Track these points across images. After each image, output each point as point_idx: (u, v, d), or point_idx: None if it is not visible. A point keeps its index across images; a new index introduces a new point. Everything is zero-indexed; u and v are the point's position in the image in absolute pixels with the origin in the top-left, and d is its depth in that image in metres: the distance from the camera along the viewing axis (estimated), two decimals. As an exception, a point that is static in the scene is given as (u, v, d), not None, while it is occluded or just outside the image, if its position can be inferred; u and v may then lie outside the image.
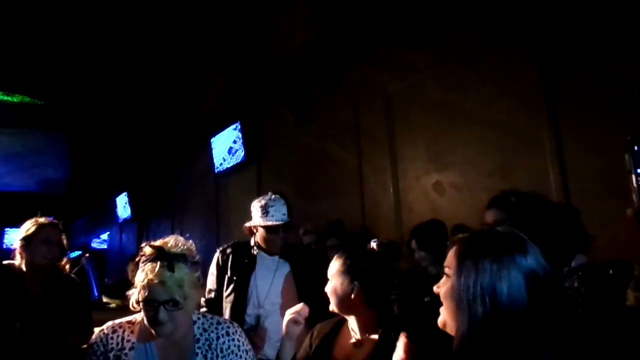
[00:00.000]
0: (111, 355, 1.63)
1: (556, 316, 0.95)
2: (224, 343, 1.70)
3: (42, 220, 2.58)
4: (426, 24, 3.83)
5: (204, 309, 2.76)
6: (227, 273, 2.83)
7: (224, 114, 6.39)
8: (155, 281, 1.52)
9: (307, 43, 4.88)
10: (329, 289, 1.82)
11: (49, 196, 12.24)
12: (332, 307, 1.80)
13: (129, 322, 1.72)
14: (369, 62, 4.37)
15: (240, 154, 5.93)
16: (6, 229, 13.08)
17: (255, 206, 2.83)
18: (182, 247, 1.64)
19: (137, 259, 1.65)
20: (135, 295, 1.59)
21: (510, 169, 3.16)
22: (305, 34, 4.95)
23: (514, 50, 3.21)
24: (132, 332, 1.68)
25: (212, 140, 6.49)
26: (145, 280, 1.54)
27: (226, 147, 6.21)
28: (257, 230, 2.84)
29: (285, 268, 2.80)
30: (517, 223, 2.25)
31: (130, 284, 1.66)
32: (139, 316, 1.70)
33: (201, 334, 1.70)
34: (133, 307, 1.62)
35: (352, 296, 1.74)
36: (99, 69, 8.98)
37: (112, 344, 1.65)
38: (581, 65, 2.84)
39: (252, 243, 2.90)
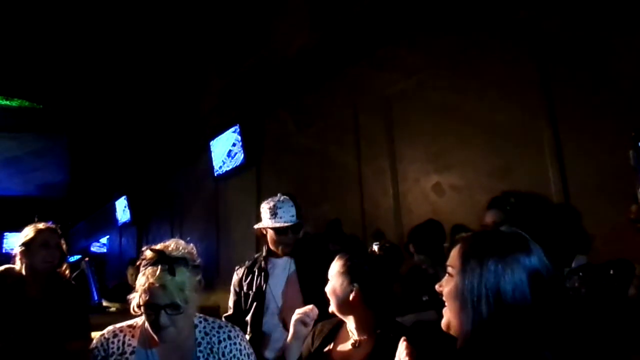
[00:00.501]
0: (112, 359, 1.63)
1: (558, 316, 0.95)
2: (225, 347, 1.70)
3: (40, 225, 2.61)
4: (425, 26, 3.84)
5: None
6: (243, 290, 2.81)
7: (223, 116, 6.39)
8: (157, 285, 1.52)
9: (306, 45, 4.89)
10: (328, 289, 1.83)
11: (48, 200, 12.23)
12: (332, 307, 1.81)
13: (129, 326, 1.72)
14: (368, 64, 4.37)
15: (240, 156, 5.93)
16: (5, 234, 13.07)
17: (264, 208, 2.80)
18: (183, 251, 1.64)
19: (137, 263, 1.65)
20: (136, 299, 1.59)
21: (509, 169, 3.16)
22: (303, 36, 4.96)
23: (513, 51, 3.21)
24: (132, 336, 1.68)
25: (212, 143, 6.49)
26: (146, 284, 1.54)
27: (225, 150, 6.21)
28: (266, 232, 2.81)
29: (293, 274, 2.77)
30: (517, 224, 2.25)
31: (130, 288, 1.66)
32: (140, 320, 1.70)
33: (202, 338, 1.70)
34: (134, 311, 1.62)
35: (351, 297, 1.74)
36: (97, 72, 8.99)
37: (112, 348, 1.65)
38: (579, 65, 2.85)
39: (265, 248, 2.87)
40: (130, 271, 5.74)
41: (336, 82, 4.75)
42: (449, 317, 1.05)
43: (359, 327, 1.76)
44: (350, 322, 1.79)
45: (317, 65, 4.85)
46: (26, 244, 2.52)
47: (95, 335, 1.78)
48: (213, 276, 6.11)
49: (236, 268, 2.93)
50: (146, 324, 1.61)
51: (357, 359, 1.70)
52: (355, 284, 1.76)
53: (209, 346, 1.69)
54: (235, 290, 2.87)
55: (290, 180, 5.22)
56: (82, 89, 9.87)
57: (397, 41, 4.07)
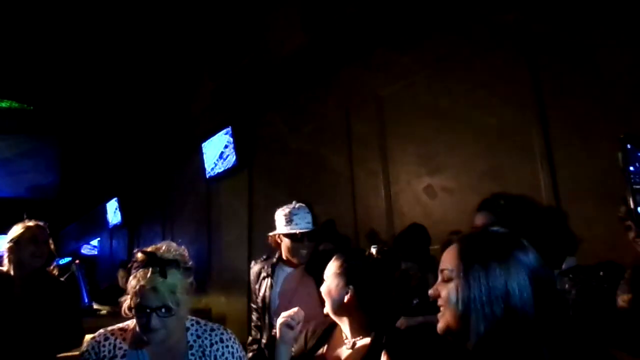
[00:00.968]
0: (103, 362, 1.62)
1: (555, 315, 0.95)
2: (217, 350, 1.70)
3: (29, 222, 2.62)
4: (417, 29, 3.85)
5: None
6: (256, 292, 2.78)
7: (215, 118, 6.38)
8: (148, 287, 1.52)
9: (298, 47, 4.89)
10: (324, 289, 1.82)
11: (39, 202, 12.12)
12: (326, 309, 1.81)
13: (120, 329, 1.71)
14: (360, 66, 4.38)
15: (232, 158, 5.92)
16: (-5, 236, 12.93)
17: (279, 215, 2.74)
18: (174, 253, 1.63)
19: (128, 266, 1.65)
20: (127, 301, 1.58)
21: (500, 172, 3.18)
22: (295, 38, 4.96)
23: (504, 54, 3.23)
24: (124, 339, 1.67)
25: (203, 145, 6.48)
26: (138, 287, 1.53)
27: (217, 152, 6.20)
28: (281, 240, 2.73)
29: (309, 282, 2.60)
30: (507, 226, 2.26)
31: (121, 291, 1.65)
32: (131, 323, 1.69)
33: (194, 341, 1.70)
34: (125, 313, 1.61)
35: (346, 299, 1.74)
36: (88, 73, 8.94)
37: (104, 351, 1.64)
38: (570, 68, 2.87)
39: (276, 256, 2.80)
40: (121, 274, 5.71)
41: (328, 84, 4.76)
42: (447, 321, 1.03)
43: (354, 330, 1.76)
44: (344, 325, 1.79)
45: (309, 67, 4.86)
46: (15, 240, 2.55)
47: (87, 338, 1.77)
48: (205, 279, 6.10)
49: (252, 264, 2.89)
50: (137, 326, 1.60)
51: None
52: (350, 286, 1.76)
53: (201, 349, 1.68)
54: (253, 287, 2.81)
55: (282, 182, 5.22)
56: (73, 89, 9.81)
57: (390, 43, 4.09)
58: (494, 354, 0.94)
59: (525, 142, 3.05)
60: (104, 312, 5.08)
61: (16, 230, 2.58)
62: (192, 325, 1.74)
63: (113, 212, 10.04)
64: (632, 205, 1.00)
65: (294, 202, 2.78)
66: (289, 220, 2.67)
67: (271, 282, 2.70)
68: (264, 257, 2.87)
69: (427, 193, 3.66)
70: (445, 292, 1.03)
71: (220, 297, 5.93)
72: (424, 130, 3.76)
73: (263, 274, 2.76)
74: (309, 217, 2.70)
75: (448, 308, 1.03)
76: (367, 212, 4.18)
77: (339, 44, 4.47)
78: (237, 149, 5.84)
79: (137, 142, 9.29)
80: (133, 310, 1.56)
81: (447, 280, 1.04)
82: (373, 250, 3.24)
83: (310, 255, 2.69)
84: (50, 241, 2.68)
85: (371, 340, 1.69)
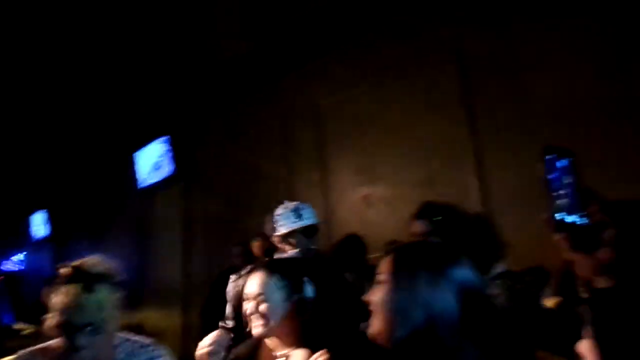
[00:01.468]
0: (24, 386, 1.52)
1: (482, 323, 0.99)
2: (149, 367, 1.63)
3: None
4: (355, 41, 3.93)
5: None
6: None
7: (150, 127, 6.20)
8: (73, 304, 1.44)
9: (237, 56, 4.85)
10: (254, 308, 1.72)
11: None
12: (256, 324, 1.70)
13: (42, 349, 1.61)
14: (300, 76, 4.41)
15: (167, 168, 5.77)
16: None
17: (284, 213, 2.61)
18: (101, 267, 1.55)
19: (54, 281, 1.55)
20: (51, 319, 1.49)
21: (434, 180, 3.28)
22: (235, 47, 4.91)
23: (438, 68, 3.36)
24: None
25: (136, 155, 6.28)
26: (62, 303, 1.45)
27: (152, 161, 6.02)
28: (283, 241, 2.57)
29: None
30: (442, 233, 2.32)
31: (46, 309, 1.56)
32: (56, 342, 1.59)
33: (123, 359, 1.62)
34: (49, 332, 1.52)
35: (284, 313, 1.70)
36: (10, 76, 8.45)
37: (25, 374, 1.53)
38: (499, 83, 3.03)
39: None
40: (47, 290, 5.40)
41: (268, 94, 4.75)
42: (377, 325, 1.06)
43: (286, 343, 1.71)
44: (272, 340, 1.71)
45: (248, 76, 4.83)
46: None
47: (6, 360, 1.65)
48: (138, 293, 5.88)
49: (233, 277, 2.62)
50: (62, 346, 1.51)
51: None
52: (289, 299, 1.72)
53: (132, 367, 1.61)
54: (232, 303, 2.50)
55: (220, 193, 5.14)
56: (-5, 96, 9.24)
57: (328, 55, 4.14)
58: (408, 356, 0.98)
59: (457, 151, 3.18)
60: (27, 332, 4.79)
61: None
62: (122, 342, 1.66)
63: (40, 226, 9.55)
64: (551, 212, 1.06)
65: (286, 202, 2.67)
66: (298, 215, 2.57)
67: None
68: (248, 269, 2.70)
69: (365, 202, 3.71)
70: (376, 297, 1.05)
71: (155, 311, 5.73)
72: (362, 140, 3.82)
73: None
74: (313, 212, 2.61)
75: (377, 313, 1.06)
76: (306, 221, 4.18)
77: (279, 54, 4.48)
78: (172, 158, 5.70)
79: (66, 153, 8.86)
80: (57, 329, 1.47)
81: (381, 286, 1.06)
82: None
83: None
84: None
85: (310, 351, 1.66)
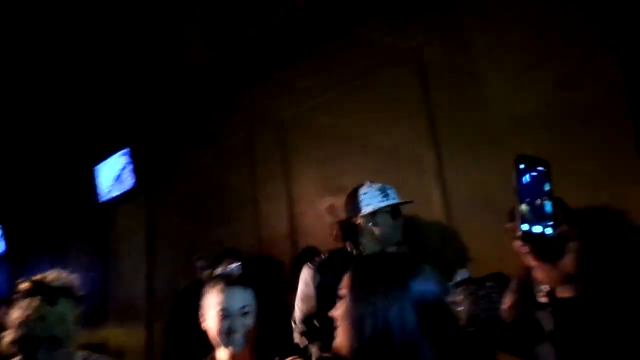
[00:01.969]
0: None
1: (442, 331, 1.01)
2: (111, 385, 1.59)
3: None
4: (317, 52, 3.97)
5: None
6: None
7: (111, 139, 6.07)
8: (34, 316, 1.39)
9: (199, 67, 4.81)
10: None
11: None
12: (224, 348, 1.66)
13: (-1, 371, 1.55)
14: (262, 88, 4.41)
15: (129, 181, 5.66)
16: None
17: (370, 191, 2.35)
18: (63, 281, 1.52)
19: (11, 299, 1.50)
20: (8, 335, 1.43)
21: (399, 190, 3.32)
22: (197, 57, 4.88)
23: (400, 78, 3.43)
24: (4, 381, 1.51)
25: (97, 168, 6.13)
26: (23, 317, 1.40)
27: (113, 174, 5.90)
28: (363, 224, 2.31)
29: None
30: (405, 242, 2.37)
31: (2, 327, 1.50)
32: (13, 361, 1.54)
33: (85, 378, 1.58)
34: (6, 350, 1.46)
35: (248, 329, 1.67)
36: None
37: (-22, 397, 1.47)
38: (459, 92, 3.12)
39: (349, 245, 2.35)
40: (3, 310, 5.19)
41: (231, 105, 4.73)
42: (338, 338, 1.07)
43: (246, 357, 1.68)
44: (223, 352, 1.67)
45: (210, 87, 4.80)
46: None
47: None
48: (100, 310, 5.72)
49: (308, 265, 2.37)
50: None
51: None
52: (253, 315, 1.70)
53: (93, 386, 1.57)
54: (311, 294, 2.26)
55: (184, 205, 5.07)
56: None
57: (290, 66, 4.16)
58: None
59: (420, 160, 3.25)
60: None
61: None
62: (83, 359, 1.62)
63: (-6, 242, 9.14)
64: (517, 221, 1.09)
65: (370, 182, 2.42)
66: (385, 194, 2.33)
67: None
68: (322, 256, 2.40)
69: (330, 213, 3.73)
70: (339, 311, 1.07)
71: (118, 329, 5.57)
72: (325, 151, 3.85)
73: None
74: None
75: (340, 326, 1.08)
76: (271, 233, 4.17)
77: (241, 65, 4.47)
78: (134, 170, 5.59)
79: (22, 166, 8.56)
80: (16, 344, 1.42)
81: (342, 300, 1.08)
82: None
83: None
84: None
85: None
